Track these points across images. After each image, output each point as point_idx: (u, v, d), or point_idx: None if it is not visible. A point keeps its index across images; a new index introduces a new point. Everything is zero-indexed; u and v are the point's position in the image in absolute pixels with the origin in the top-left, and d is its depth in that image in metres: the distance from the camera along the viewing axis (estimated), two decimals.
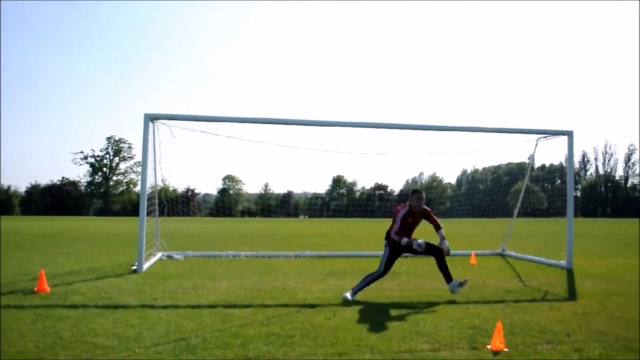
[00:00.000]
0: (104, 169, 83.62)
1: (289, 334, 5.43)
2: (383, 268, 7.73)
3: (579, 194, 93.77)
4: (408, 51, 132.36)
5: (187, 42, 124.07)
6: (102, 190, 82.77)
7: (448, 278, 7.80)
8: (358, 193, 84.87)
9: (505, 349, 4.88)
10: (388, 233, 7.80)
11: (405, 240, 7.53)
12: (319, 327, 5.73)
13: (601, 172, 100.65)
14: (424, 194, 7.89)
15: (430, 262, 12.49)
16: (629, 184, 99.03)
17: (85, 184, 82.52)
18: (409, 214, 7.70)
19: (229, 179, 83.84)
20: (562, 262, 11.67)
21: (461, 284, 7.72)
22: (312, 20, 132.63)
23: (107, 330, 5.48)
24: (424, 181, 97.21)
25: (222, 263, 12.10)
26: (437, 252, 7.77)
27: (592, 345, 5.10)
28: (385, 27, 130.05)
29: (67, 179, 79.54)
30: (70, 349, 4.79)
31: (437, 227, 7.89)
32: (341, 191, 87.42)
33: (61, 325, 5.67)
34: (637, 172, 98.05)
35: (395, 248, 7.73)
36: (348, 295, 7.46)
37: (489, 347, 4.94)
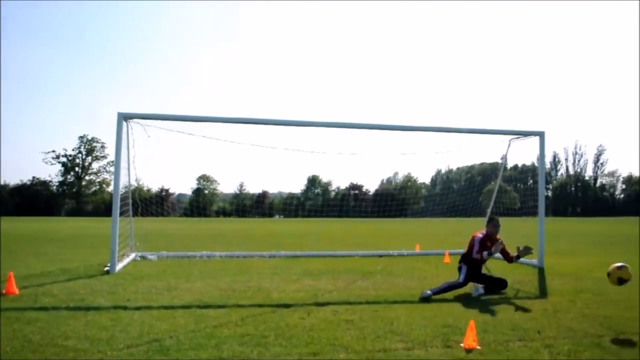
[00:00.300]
0: (77, 169, 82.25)
1: (264, 334, 5.41)
2: (463, 279, 8.14)
3: (550, 193, 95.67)
4: (383, 52, 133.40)
5: (164, 42, 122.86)
6: (74, 190, 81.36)
7: (486, 284, 8.24)
8: (333, 193, 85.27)
9: (478, 347, 4.94)
10: (464, 256, 8.31)
11: (485, 253, 8.12)
12: (293, 327, 5.72)
13: (571, 172, 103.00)
14: (500, 221, 8.45)
15: (405, 261, 12.61)
16: (598, 184, 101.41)
17: (57, 183, 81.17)
18: (487, 238, 8.28)
19: (203, 178, 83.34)
20: (534, 260, 11.83)
21: (479, 294, 7.99)
22: (287, 21, 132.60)
23: (78, 333, 5.39)
24: (398, 181, 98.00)
25: (197, 263, 12.00)
26: (502, 284, 8.33)
27: (562, 342, 5.20)
28: (361, 29, 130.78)
29: (37, 178, 78.18)
30: (40, 353, 4.69)
31: (511, 260, 8.49)
32: (316, 191, 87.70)
33: (30, 329, 5.55)
34: (606, 172, 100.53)
35: (474, 266, 8.21)
36: (428, 292, 7.64)
37: (462, 345, 4.99)
